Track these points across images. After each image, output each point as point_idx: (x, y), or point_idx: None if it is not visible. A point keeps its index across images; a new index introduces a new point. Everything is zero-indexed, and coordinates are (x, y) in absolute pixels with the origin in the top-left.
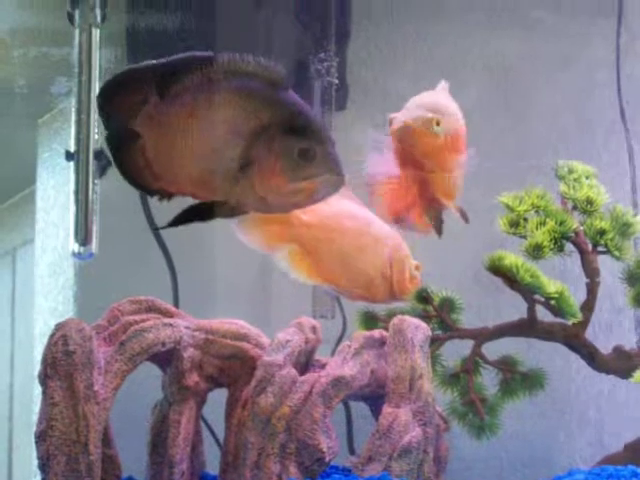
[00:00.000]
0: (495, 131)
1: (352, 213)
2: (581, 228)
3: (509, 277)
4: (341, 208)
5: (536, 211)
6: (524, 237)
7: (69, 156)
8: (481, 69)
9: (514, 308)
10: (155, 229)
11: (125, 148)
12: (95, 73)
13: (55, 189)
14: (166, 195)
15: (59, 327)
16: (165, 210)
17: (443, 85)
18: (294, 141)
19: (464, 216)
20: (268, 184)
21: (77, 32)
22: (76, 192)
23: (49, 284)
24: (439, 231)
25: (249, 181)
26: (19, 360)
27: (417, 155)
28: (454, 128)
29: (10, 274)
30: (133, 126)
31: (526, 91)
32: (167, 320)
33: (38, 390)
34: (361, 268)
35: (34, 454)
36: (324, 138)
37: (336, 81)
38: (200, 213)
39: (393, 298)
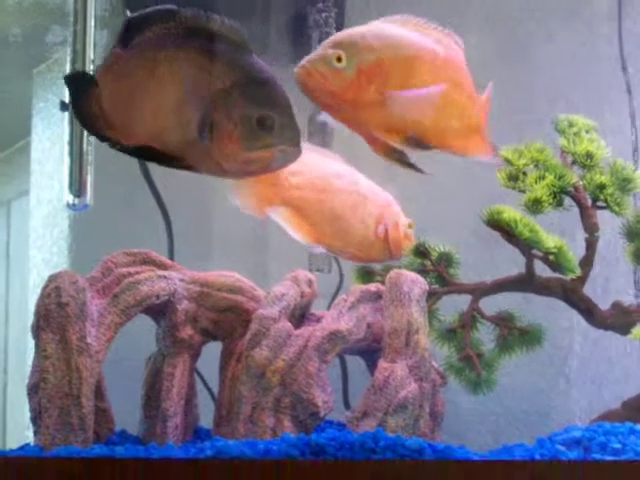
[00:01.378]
0: (494, 83)
1: (339, 173)
2: (580, 183)
3: (507, 231)
4: (329, 168)
5: (535, 165)
6: (523, 191)
7: (64, 106)
8: (482, 19)
9: (512, 263)
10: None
11: (81, 93)
12: (90, 22)
13: (50, 140)
14: (121, 146)
15: (52, 279)
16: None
17: (400, 17)
18: (254, 109)
19: (421, 145)
20: (224, 150)
21: None
22: (70, 143)
23: (43, 236)
24: (412, 167)
25: (206, 144)
26: (13, 312)
27: (326, 98)
28: (374, 58)
29: (5, 226)
30: (94, 74)
31: (527, 43)
32: (161, 272)
33: (32, 343)
34: (352, 227)
35: (27, 407)
36: (284, 107)
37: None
38: (155, 158)
39: (388, 257)
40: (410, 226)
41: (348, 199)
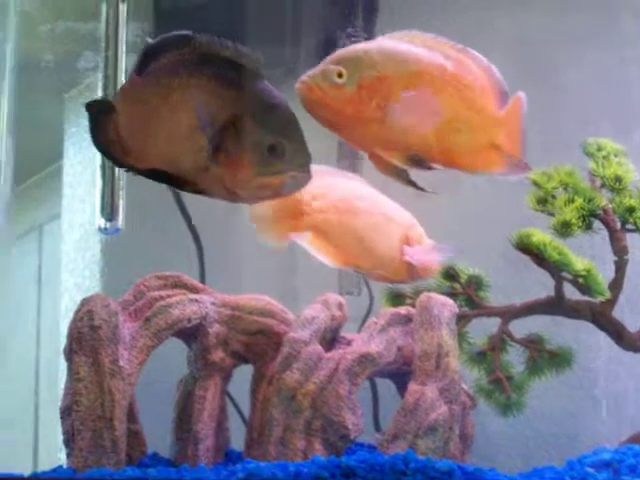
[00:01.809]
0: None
1: (361, 194)
2: (610, 206)
3: (537, 255)
4: (350, 190)
5: (564, 188)
6: (552, 214)
7: None
8: (509, 40)
9: (542, 286)
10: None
11: (100, 120)
12: (122, 48)
13: (82, 164)
14: (136, 170)
15: (85, 302)
16: None
17: (407, 32)
18: (265, 135)
19: (423, 164)
20: (236, 176)
21: (104, 6)
22: (102, 167)
23: (75, 260)
24: (413, 186)
25: (218, 170)
26: (45, 336)
27: (326, 113)
28: (376, 74)
29: (37, 250)
30: (112, 100)
31: (553, 66)
32: (193, 296)
33: (64, 365)
34: (377, 247)
35: (60, 429)
36: (295, 134)
37: None
38: (168, 181)
39: (414, 277)
40: (434, 248)
41: (371, 220)
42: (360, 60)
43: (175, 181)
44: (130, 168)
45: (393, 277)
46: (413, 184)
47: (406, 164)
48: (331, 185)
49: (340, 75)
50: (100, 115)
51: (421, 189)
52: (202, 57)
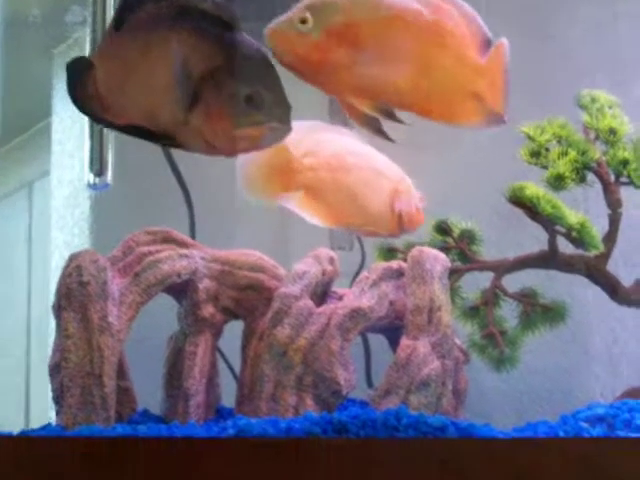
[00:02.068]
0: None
1: (352, 149)
2: (603, 158)
3: (530, 208)
4: (341, 146)
5: (558, 141)
6: (545, 167)
7: None
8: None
9: (535, 240)
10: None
11: (78, 76)
12: (110, 1)
13: (71, 120)
14: (114, 126)
15: (73, 258)
16: None
17: None
18: (242, 86)
19: (391, 115)
20: (214, 128)
21: None
22: (91, 122)
23: (65, 216)
24: (383, 136)
25: (196, 123)
26: (36, 294)
27: (292, 61)
28: (343, 20)
29: (27, 208)
30: (91, 57)
31: (547, 22)
32: (183, 251)
33: (54, 323)
34: (368, 203)
35: (50, 387)
36: (273, 85)
37: None
38: (147, 136)
39: (401, 231)
40: (421, 200)
41: (363, 175)
42: (327, 6)
43: (154, 136)
44: (109, 124)
45: (383, 231)
46: (383, 134)
47: (375, 113)
48: (322, 141)
49: (304, 21)
50: (78, 72)
51: (390, 140)
52: (180, 10)
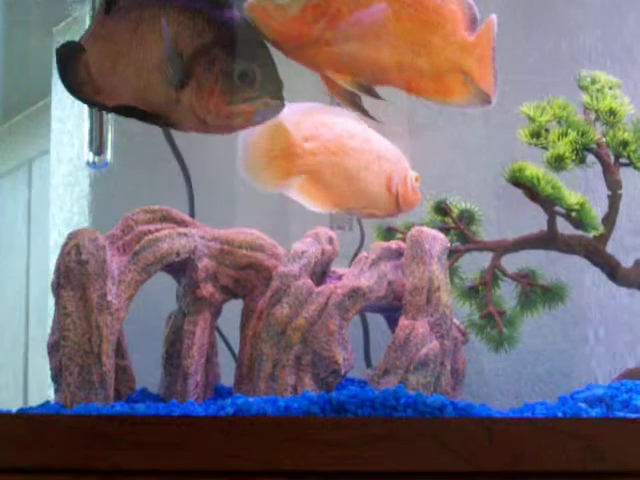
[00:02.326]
0: (515, 44)
1: (351, 132)
2: (603, 139)
3: (529, 188)
4: (341, 128)
5: (558, 122)
6: (545, 148)
7: None
8: None
9: (534, 221)
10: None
11: (69, 61)
12: None
13: (70, 98)
14: (107, 108)
15: (72, 236)
16: None
17: None
18: (234, 62)
19: (370, 91)
20: (207, 105)
21: None
22: None
23: (64, 195)
24: (364, 113)
25: (189, 101)
26: (35, 272)
27: (272, 35)
28: None
29: (26, 185)
30: (81, 41)
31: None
32: (182, 230)
33: (53, 302)
34: (367, 186)
35: (48, 365)
36: (265, 61)
37: None
38: (140, 116)
39: (398, 211)
40: (417, 179)
41: (361, 158)
42: None
43: (146, 116)
44: (102, 106)
45: (381, 213)
46: (364, 111)
47: (354, 88)
48: (322, 124)
49: None
50: (69, 57)
51: (371, 117)
52: None
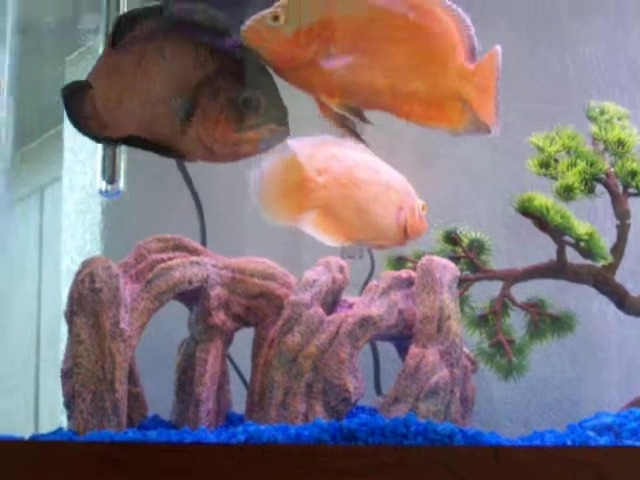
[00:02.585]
0: (524, 73)
1: (361, 164)
2: (612, 170)
3: (539, 218)
4: (351, 161)
5: (567, 152)
6: (554, 178)
7: None
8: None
9: (543, 251)
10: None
11: (76, 97)
12: (123, 9)
13: None
14: (113, 141)
15: (86, 264)
16: None
17: None
18: (238, 90)
19: (360, 115)
20: (213, 134)
21: None
22: None
23: (76, 222)
24: (355, 136)
25: (195, 130)
26: (46, 298)
27: (268, 57)
28: (317, 17)
29: (38, 212)
30: (88, 78)
31: (556, 33)
32: (194, 258)
33: (64, 328)
34: (377, 217)
35: (60, 392)
36: (269, 87)
37: None
38: (147, 147)
39: (405, 240)
40: (423, 208)
41: (372, 190)
42: (302, 3)
43: (154, 147)
44: (108, 139)
45: (390, 243)
46: (356, 135)
47: (344, 112)
48: (333, 156)
49: (276, 17)
50: (75, 94)
51: (362, 141)
52: (173, 23)
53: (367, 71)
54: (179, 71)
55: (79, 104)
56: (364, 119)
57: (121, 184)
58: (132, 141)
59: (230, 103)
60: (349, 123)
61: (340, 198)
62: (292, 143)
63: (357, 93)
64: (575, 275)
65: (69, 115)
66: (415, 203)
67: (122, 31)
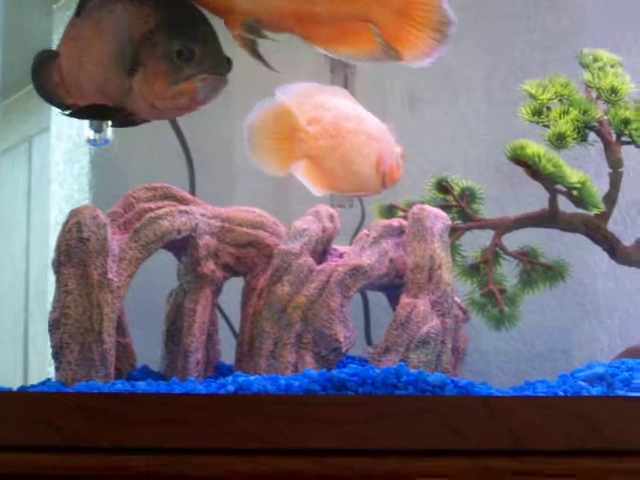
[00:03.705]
0: (516, 20)
1: (347, 114)
2: (605, 117)
3: (531, 166)
4: (338, 110)
5: (560, 100)
6: (547, 126)
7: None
8: None
9: (535, 199)
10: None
11: (42, 67)
12: None
13: None
14: (77, 110)
15: (73, 214)
16: None
17: None
18: (173, 42)
19: (257, 33)
20: (152, 88)
21: None
22: None
23: (64, 172)
24: (261, 61)
25: (138, 87)
26: (35, 249)
27: None
28: None
29: (26, 162)
30: (57, 48)
31: None
32: (183, 207)
33: (53, 279)
34: (358, 168)
35: (49, 343)
36: (204, 37)
37: None
38: (102, 114)
39: (383, 188)
40: (402, 156)
41: (355, 141)
42: None
43: (109, 112)
44: (73, 109)
45: (369, 192)
46: (260, 58)
47: (245, 32)
48: (321, 106)
49: None
50: (42, 64)
51: (270, 67)
52: None
53: None
54: (126, 29)
55: (46, 74)
56: (265, 37)
57: (109, 133)
58: (95, 111)
59: (166, 56)
60: (252, 46)
61: (327, 149)
62: (279, 92)
63: (256, 11)
64: (567, 224)
65: (35, 86)
66: (394, 152)
67: (86, 0)
